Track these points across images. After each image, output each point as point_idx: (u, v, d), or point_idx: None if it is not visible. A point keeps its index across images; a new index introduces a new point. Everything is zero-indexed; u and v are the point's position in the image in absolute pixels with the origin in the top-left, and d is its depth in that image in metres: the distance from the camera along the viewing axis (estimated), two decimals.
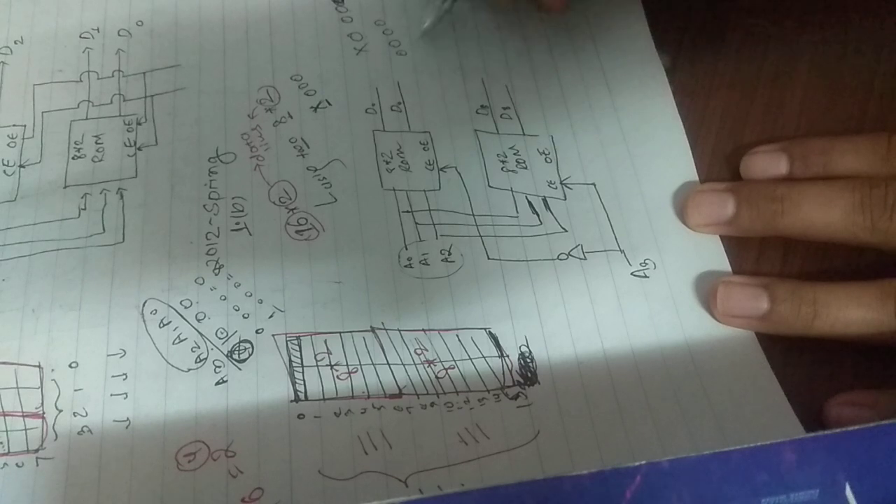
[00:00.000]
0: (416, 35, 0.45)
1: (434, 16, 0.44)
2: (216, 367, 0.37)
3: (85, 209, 0.40)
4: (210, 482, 0.34)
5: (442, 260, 0.39)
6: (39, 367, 0.37)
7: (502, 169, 0.42)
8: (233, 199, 0.41)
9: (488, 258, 0.39)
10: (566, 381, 0.36)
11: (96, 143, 0.42)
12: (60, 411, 0.36)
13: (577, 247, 0.40)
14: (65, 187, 0.41)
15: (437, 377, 0.36)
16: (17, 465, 0.35)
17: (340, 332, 0.37)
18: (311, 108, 0.43)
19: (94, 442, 0.35)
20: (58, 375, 0.36)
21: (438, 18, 0.45)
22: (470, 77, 0.45)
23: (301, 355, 0.37)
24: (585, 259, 0.39)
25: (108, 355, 0.37)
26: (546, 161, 0.42)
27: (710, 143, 0.43)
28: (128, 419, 0.35)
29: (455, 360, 0.37)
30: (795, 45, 0.45)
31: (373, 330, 0.37)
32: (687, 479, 0.27)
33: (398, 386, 0.36)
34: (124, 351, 0.37)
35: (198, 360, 0.37)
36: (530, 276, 0.39)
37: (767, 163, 0.40)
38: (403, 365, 0.37)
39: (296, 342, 0.37)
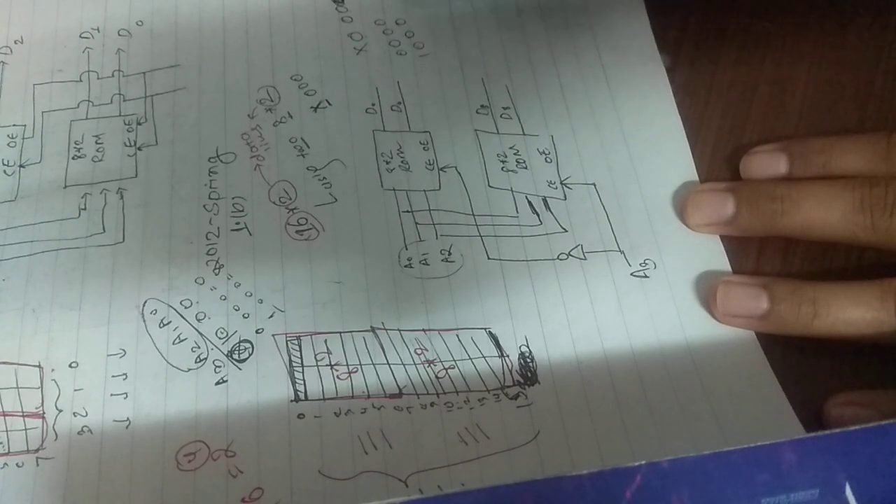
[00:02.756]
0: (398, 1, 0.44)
1: None
2: (216, 366, 0.37)
3: (85, 209, 0.40)
4: (210, 482, 0.34)
5: (442, 260, 0.39)
6: (39, 367, 0.37)
7: (502, 169, 0.42)
8: (233, 199, 0.41)
9: (488, 258, 0.39)
10: (566, 381, 0.36)
11: (96, 143, 0.42)
12: (60, 411, 0.36)
13: (577, 247, 0.40)
14: (65, 187, 0.41)
15: (437, 377, 0.36)
16: (17, 465, 0.35)
17: (340, 332, 0.37)
18: (311, 108, 0.43)
19: (94, 442, 0.35)
20: (58, 375, 0.36)
21: None
22: (470, 77, 0.45)
23: (301, 355, 0.37)
24: (585, 259, 0.39)
25: (108, 355, 0.37)
26: (546, 161, 0.42)
27: (710, 143, 0.43)
28: (128, 419, 0.35)
29: (455, 360, 0.37)
30: (795, 45, 0.45)
31: (373, 330, 0.37)
32: (687, 479, 0.27)
33: (398, 386, 0.36)
34: (124, 351, 0.37)
35: (198, 360, 0.37)
36: (530, 276, 0.39)
37: (767, 162, 0.40)
38: (403, 365, 0.37)
39: (296, 342, 0.37)
